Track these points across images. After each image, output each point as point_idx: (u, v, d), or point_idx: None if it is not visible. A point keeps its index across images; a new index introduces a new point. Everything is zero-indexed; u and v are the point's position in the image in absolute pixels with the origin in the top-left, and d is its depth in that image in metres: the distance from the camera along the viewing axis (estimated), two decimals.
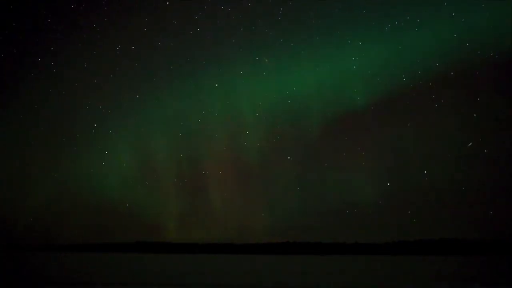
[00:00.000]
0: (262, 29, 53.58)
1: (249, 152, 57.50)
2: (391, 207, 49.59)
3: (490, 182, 45.80)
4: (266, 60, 52.18)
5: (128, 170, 56.88)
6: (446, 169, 48.85)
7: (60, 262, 28.66)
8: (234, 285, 12.46)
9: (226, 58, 56.04)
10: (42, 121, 55.64)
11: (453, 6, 47.44)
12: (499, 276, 16.09)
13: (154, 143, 59.58)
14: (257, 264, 26.87)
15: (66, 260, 33.02)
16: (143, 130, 59.45)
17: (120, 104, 57.21)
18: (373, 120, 54.00)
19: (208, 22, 53.10)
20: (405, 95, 51.55)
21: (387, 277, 16.07)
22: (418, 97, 51.22)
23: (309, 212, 54.98)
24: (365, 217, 51.73)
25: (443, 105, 49.86)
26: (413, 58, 50.55)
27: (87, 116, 54.67)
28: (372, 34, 51.37)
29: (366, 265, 25.91)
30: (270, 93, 56.89)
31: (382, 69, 51.69)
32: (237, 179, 59.76)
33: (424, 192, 49.10)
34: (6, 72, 51.73)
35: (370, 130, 54.28)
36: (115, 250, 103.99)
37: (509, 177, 46.75)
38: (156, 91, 57.21)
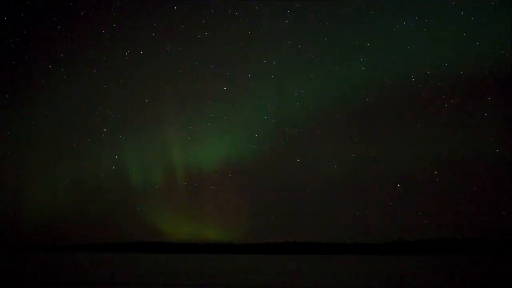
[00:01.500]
0: (270, 32, 52.95)
1: (258, 154, 56.63)
2: (394, 207, 49.06)
3: (495, 182, 45.03)
4: (274, 63, 51.56)
5: (137, 174, 56.16)
6: (454, 170, 48.02)
7: (63, 262, 28.62)
8: (234, 285, 12.44)
9: (234, 61, 55.34)
10: (52, 126, 54.96)
11: (462, 5, 46.78)
12: (500, 276, 16.06)
13: (163, 147, 58.60)
14: (257, 264, 26.83)
15: (68, 260, 32.97)
16: (152, 134, 58.65)
17: (129, 109, 56.42)
18: (382, 121, 53.20)
19: (215, 26, 52.46)
20: (414, 95, 50.76)
21: (388, 277, 16.04)
22: (427, 97, 50.44)
23: (312, 212, 54.30)
24: (367, 217, 51.21)
25: (452, 105, 49.05)
26: (422, 58, 49.89)
27: (97, 121, 54.20)
28: (380, 34, 50.68)
29: (366, 265, 25.87)
30: (278, 95, 56.12)
31: (391, 69, 51.08)
32: (245, 181, 58.66)
33: (432, 193, 48.42)
34: (17, 79, 51.44)
35: (379, 131, 53.28)
36: (116, 251, 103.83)
37: None
38: (164, 95, 56.27)
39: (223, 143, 54.16)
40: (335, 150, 51.91)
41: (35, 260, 29.67)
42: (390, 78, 49.14)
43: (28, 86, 49.82)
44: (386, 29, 48.43)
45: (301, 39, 50.30)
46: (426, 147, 49.19)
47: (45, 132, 50.00)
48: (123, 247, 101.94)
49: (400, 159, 49.87)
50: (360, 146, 50.86)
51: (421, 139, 49.20)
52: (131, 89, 50.95)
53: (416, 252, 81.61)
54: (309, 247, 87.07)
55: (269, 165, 54.84)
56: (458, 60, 47.22)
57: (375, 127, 50.39)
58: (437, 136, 48.96)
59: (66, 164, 51.35)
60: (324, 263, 29.77)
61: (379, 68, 49.23)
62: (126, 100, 52.01)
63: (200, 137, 53.74)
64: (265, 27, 49.59)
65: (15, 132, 49.93)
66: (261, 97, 52.66)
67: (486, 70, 45.56)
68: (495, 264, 25.78)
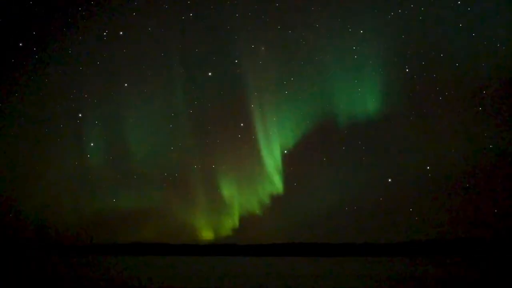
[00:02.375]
0: (259, 15, 50.86)
1: (245, 146, 53.87)
2: (392, 205, 47.95)
3: (496, 179, 44.09)
4: (263, 48, 50.16)
5: (115, 163, 52.46)
6: (450, 166, 47.05)
7: (56, 263, 28.15)
8: None
9: (219, 46, 52.55)
10: (21, 110, 50.35)
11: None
12: (500, 277, 15.84)
13: (142, 136, 54.42)
14: (259, 266, 26.43)
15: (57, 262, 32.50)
16: (130, 122, 54.29)
17: (106, 94, 52.64)
18: (375, 113, 51.52)
19: (200, 8, 49.51)
20: (408, 87, 49.62)
21: (387, 277, 15.72)
22: (421, 89, 49.43)
23: (312, 212, 52.77)
24: (366, 216, 50.02)
25: (448, 97, 48.02)
26: (417, 48, 48.77)
27: (71, 105, 50.49)
28: (374, 22, 49.50)
29: (366, 266, 25.51)
30: (266, 83, 53.74)
31: (384, 59, 49.84)
32: (237, 175, 56.33)
33: (425, 189, 47.44)
34: None
35: (371, 124, 51.63)
36: (109, 252, 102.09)
37: None
38: (144, 80, 52.91)
39: (207, 131, 52.13)
40: (326, 142, 50.13)
41: (28, 262, 29.16)
42: (383, 68, 48.14)
43: None
44: (380, 16, 47.49)
45: (292, 24, 48.48)
46: (420, 140, 48.16)
47: (10, 117, 46.16)
48: (116, 248, 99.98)
49: (393, 153, 48.57)
50: (351, 139, 49.38)
51: (415, 132, 48.17)
52: (108, 72, 47.83)
53: (416, 252, 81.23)
54: (312, 248, 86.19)
55: (259, 157, 53.17)
56: (454, 51, 46.33)
57: (367, 119, 48.97)
58: (431, 129, 47.93)
59: (35, 153, 47.95)
60: (324, 263, 29.36)
61: (371, 57, 48.21)
62: (103, 83, 48.89)
63: (183, 125, 51.19)
64: (254, 11, 47.65)
65: None
66: (248, 84, 50.53)
67: (483, 62, 44.73)
68: (495, 264, 25.50)
